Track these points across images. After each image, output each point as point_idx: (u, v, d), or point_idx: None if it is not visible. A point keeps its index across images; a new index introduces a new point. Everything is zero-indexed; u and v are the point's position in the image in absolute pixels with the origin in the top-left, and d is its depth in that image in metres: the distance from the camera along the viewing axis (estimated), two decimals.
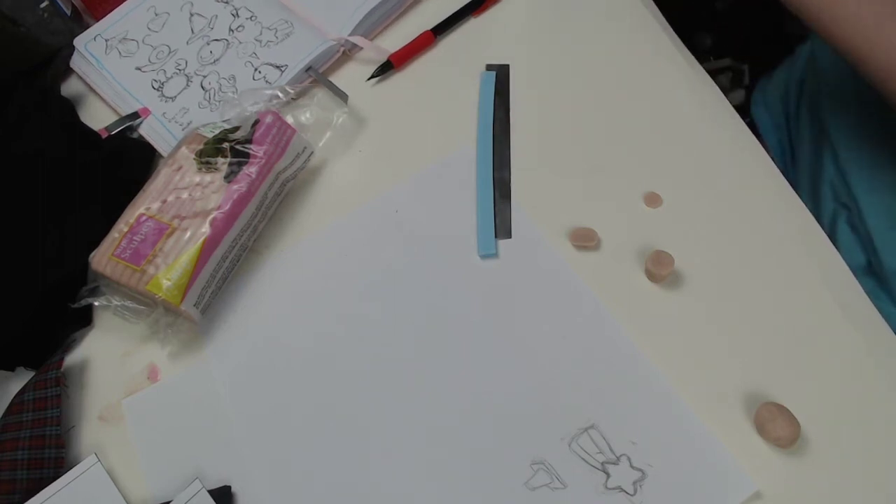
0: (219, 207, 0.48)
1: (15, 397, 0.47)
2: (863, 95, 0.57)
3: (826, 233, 0.48)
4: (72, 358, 0.50)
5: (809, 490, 0.41)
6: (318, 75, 0.59)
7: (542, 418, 0.44)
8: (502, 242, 0.50)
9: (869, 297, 0.45)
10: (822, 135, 0.60)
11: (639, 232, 0.50)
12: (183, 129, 0.57)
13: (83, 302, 0.49)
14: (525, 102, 0.56)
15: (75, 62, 0.62)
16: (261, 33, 0.61)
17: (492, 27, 0.61)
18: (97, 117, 0.60)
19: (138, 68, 0.61)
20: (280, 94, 0.55)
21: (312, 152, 0.54)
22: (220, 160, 0.50)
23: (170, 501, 0.43)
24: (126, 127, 0.58)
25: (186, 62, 0.60)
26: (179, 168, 0.50)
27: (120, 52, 0.62)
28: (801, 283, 0.47)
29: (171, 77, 0.60)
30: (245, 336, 0.50)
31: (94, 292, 0.49)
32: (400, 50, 0.59)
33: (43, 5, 0.65)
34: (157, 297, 0.47)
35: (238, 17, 0.62)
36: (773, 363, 0.44)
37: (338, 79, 0.59)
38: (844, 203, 0.56)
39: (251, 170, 0.50)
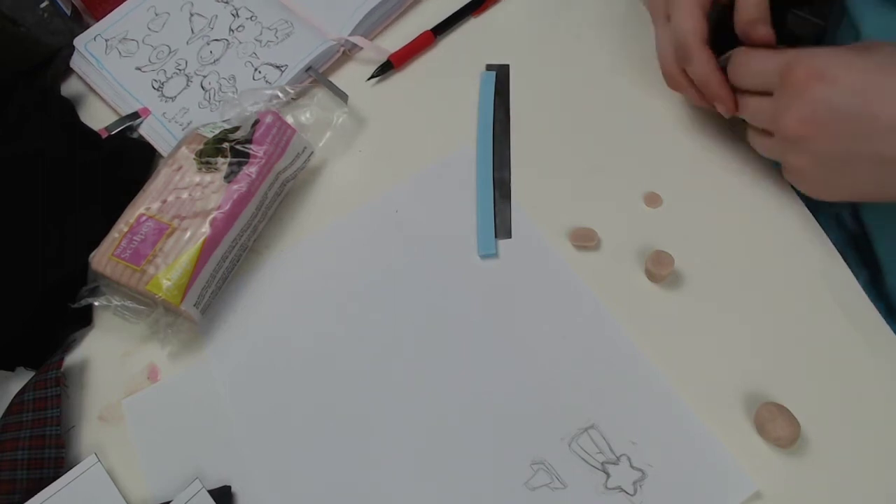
0: (219, 207, 0.48)
1: (15, 397, 0.47)
2: None
3: None
4: (72, 358, 0.50)
5: (809, 490, 0.41)
6: (318, 75, 0.59)
7: (542, 418, 0.44)
8: (502, 242, 0.50)
9: None
10: None
11: (639, 232, 0.50)
12: (183, 129, 0.57)
13: (83, 302, 0.49)
14: (525, 102, 0.56)
15: (75, 62, 0.62)
16: (261, 33, 0.61)
17: (492, 27, 0.61)
18: (97, 117, 0.60)
19: (138, 68, 0.61)
20: (280, 94, 0.55)
21: (312, 152, 0.54)
22: (220, 160, 0.50)
23: (170, 501, 0.43)
24: (126, 127, 0.58)
25: (186, 62, 0.60)
26: (179, 168, 0.50)
27: (120, 52, 0.62)
28: (800, 283, 0.47)
29: (171, 77, 0.60)
30: (245, 336, 0.50)
31: (94, 292, 0.49)
32: (400, 50, 0.59)
33: (43, 5, 0.65)
34: (157, 297, 0.47)
35: (238, 17, 0.62)
36: (772, 363, 0.44)
37: (338, 79, 0.59)
38: (848, 227, 0.55)
39: (251, 170, 0.50)
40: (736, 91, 0.45)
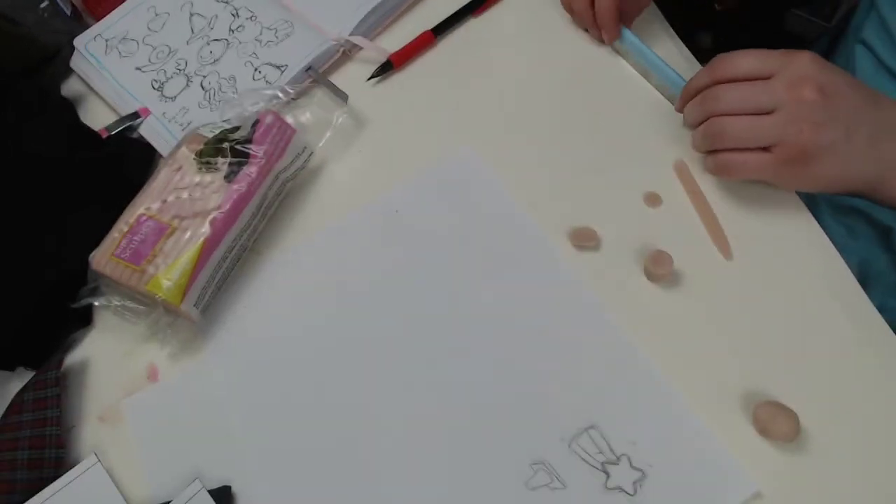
0: (219, 207, 0.48)
1: (15, 397, 0.47)
2: None
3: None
4: (72, 358, 0.50)
5: (810, 489, 0.41)
6: (318, 75, 0.59)
7: (542, 418, 0.44)
8: (502, 243, 0.50)
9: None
10: None
11: (639, 232, 0.50)
12: (183, 129, 0.57)
13: (83, 302, 0.49)
14: (525, 102, 0.56)
15: (75, 62, 0.62)
16: (261, 33, 0.61)
17: (492, 27, 0.61)
18: (97, 117, 0.60)
19: (138, 68, 0.61)
20: (280, 94, 0.54)
21: (312, 152, 0.54)
22: (220, 160, 0.50)
23: (170, 501, 0.43)
24: (126, 127, 0.58)
25: (186, 62, 0.60)
26: (179, 168, 0.50)
27: (120, 52, 0.62)
28: (800, 282, 0.47)
29: (171, 77, 0.60)
30: (245, 336, 0.50)
31: (94, 292, 0.49)
32: (400, 50, 0.59)
33: (43, 5, 0.65)
34: (157, 297, 0.47)
35: (238, 17, 0.62)
36: (772, 362, 0.44)
37: (338, 79, 0.59)
38: (863, 210, 0.54)
39: (251, 170, 0.50)
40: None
